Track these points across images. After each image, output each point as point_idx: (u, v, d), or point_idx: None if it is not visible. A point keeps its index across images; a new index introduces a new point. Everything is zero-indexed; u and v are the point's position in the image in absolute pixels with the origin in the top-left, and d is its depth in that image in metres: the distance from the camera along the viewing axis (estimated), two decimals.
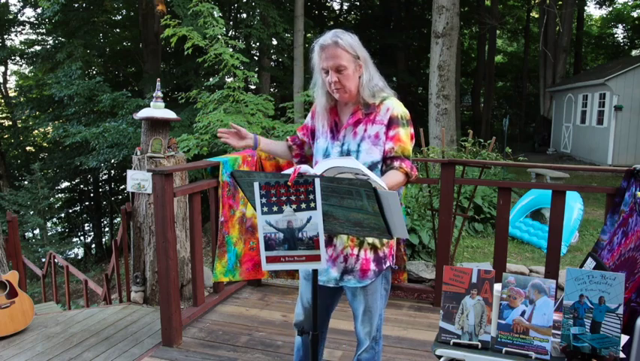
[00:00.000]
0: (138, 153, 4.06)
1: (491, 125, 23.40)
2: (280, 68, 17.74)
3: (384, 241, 1.91)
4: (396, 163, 1.83)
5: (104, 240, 17.47)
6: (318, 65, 1.85)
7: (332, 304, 2.10)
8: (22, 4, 16.83)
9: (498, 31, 23.92)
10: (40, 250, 11.59)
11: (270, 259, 1.56)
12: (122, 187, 17.96)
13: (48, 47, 16.06)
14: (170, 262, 2.90)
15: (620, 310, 1.69)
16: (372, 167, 1.84)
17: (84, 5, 14.87)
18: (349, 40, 1.82)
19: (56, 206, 14.70)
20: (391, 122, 1.85)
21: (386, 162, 1.86)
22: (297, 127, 5.88)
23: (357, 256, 1.87)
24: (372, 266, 1.88)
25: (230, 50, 5.89)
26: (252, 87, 13.65)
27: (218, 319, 3.36)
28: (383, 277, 1.95)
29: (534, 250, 6.04)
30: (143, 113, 4.01)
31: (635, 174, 2.82)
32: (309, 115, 2.10)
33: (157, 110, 4.01)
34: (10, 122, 17.69)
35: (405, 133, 1.86)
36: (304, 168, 1.55)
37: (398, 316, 3.39)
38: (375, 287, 1.93)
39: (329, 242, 1.88)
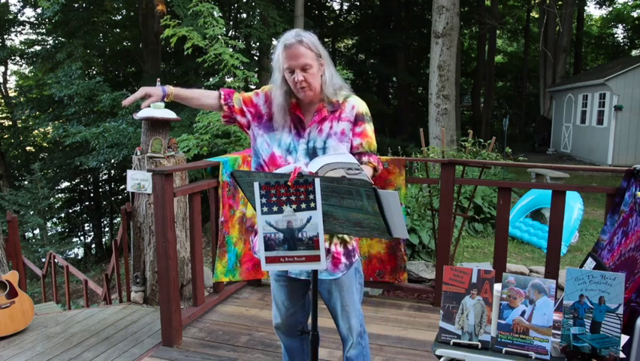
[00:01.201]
0: (138, 153, 4.06)
1: (491, 125, 23.39)
2: None
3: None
4: (365, 158, 1.91)
5: (104, 240, 17.47)
6: (281, 64, 1.81)
7: (306, 302, 2.10)
8: (22, 4, 16.83)
9: (498, 31, 23.92)
10: (40, 250, 11.59)
11: (269, 260, 1.56)
12: (122, 187, 17.95)
13: (48, 47, 16.06)
14: (170, 262, 2.90)
15: (620, 310, 1.69)
16: None
17: (84, 5, 14.86)
18: (311, 38, 1.82)
19: (56, 206, 14.70)
20: (357, 119, 1.91)
21: (354, 158, 1.89)
22: None
23: (328, 250, 1.89)
24: (343, 259, 1.91)
25: (230, 50, 5.89)
26: (252, 87, 13.65)
27: (218, 319, 3.36)
28: (356, 271, 1.99)
29: (534, 250, 6.04)
30: (143, 113, 4.01)
31: (635, 174, 2.82)
32: (263, 97, 1.97)
33: (157, 110, 4.01)
34: (10, 122, 17.68)
35: (370, 129, 1.94)
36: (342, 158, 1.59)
37: (398, 316, 3.39)
38: (350, 281, 1.96)
39: None
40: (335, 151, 1.85)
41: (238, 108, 1.98)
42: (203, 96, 1.99)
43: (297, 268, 1.74)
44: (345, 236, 1.92)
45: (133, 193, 4.08)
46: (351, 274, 1.96)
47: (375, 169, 1.92)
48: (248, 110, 1.97)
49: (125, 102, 1.86)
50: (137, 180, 3.95)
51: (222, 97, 1.98)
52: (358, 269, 2.02)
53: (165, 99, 1.92)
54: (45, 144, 18.57)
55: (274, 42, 16.06)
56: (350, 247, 1.95)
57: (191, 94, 1.98)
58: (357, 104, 1.92)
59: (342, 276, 1.92)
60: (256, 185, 1.51)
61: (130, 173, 4.01)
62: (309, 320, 1.92)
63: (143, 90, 1.86)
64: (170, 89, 1.91)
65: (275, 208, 1.52)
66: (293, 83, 1.82)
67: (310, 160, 1.81)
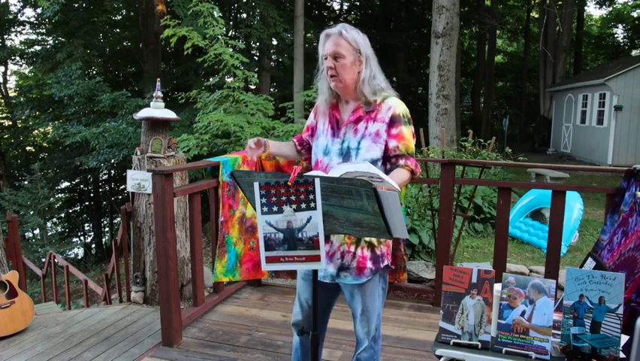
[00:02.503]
0: (138, 153, 4.06)
1: (491, 125, 23.39)
2: (280, 68, 17.73)
3: (382, 239, 1.91)
4: (402, 161, 1.87)
5: (104, 240, 17.46)
6: (320, 53, 1.89)
7: (331, 304, 2.10)
8: (22, 4, 16.83)
9: (498, 31, 23.91)
10: (40, 250, 11.59)
11: (269, 260, 1.56)
12: (122, 187, 17.95)
13: (48, 47, 16.05)
14: (170, 262, 2.90)
15: (620, 310, 1.69)
16: (372, 164, 1.84)
17: (84, 5, 14.86)
18: (354, 34, 1.86)
19: (56, 206, 14.70)
20: (393, 121, 1.87)
21: (390, 161, 1.88)
22: (296, 127, 5.89)
23: (354, 253, 1.87)
24: (369, 264, 1.88)
25: (230, 50, 5.89)
26: (252, 87, 13.65)
27: (218, 319, 3.36)
28: (381, 277, 1.95)
29: (534, 250, 6.04)
30: (143, 113, 4.01)
31: (635, 174, 2.82)
32: (312, 114, 2.11)
33: (157, 110, 4.02)
34: (10, 122, 17.68)
35: (407, 131, 1.89)
36: (316, 173, 1.60)
37: (398, 316, 3.39)
38: (373, 286, 1.92)
39: (326, 238, 1.87)
40: (367, 152, 1.85)
41: (305, 141, 2.16)
42: (285, 151, 2.20)
43: (297, 268, 1.73)
44: (374, 240, 1.89)
45: (133, 193, 4.08)
46: (376, 279, 1.92)
47: (412, 172, 1.88)
48: (308, 135, 2.13)
49: (247, 155, 2.09)
50: (137, 180, 3.95)
51: (296, 145, 2.19)
52: (384, 275, 1.98)
53: (264, 152, 2.04)
54: (45, 144, 18.56)
55: (274, 42, 16.08)
56: (378, 252, 1.90)
57: (278, 150, 2.17)
58: (395, 105, 1.89)
59: (366, 282, 1.89)
60: (256, 185, 1.51)
61: (130, 173, 4.01)
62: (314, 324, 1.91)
63: (252, 141, 1.99)
64: (267, 144, 2.05)
65: (275, 208, 1.52)
66: (325, 70, 1.87)
67: (342, 161, 1.86)
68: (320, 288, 1.95)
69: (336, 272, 1.89)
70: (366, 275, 1.88)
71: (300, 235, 1.52)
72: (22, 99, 16.65)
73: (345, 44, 1.83)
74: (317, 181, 1.47)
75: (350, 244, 1.88)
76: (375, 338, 2.00)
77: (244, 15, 16.59)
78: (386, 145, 1.87)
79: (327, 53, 1.84)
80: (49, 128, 16.08)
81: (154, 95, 4.13)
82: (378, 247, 1.90)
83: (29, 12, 22.93)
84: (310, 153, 2.11)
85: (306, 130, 2.14)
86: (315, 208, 1.49)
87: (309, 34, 16.96)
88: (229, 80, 6.04)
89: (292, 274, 3.72)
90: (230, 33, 15.63)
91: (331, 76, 1.86)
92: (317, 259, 1.53)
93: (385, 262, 1.93)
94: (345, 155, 1.86)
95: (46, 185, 12.98)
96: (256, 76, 6.10)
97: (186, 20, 9.67)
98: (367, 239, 1.88)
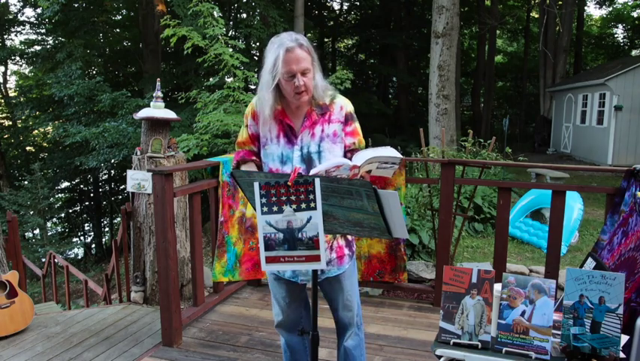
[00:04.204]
0: (138, 153, 4.06)
1: (491, 125, 23.38)
2: None
3: None
4: None
5: (104, 240, 17.46)
6: (279, 69, 1.73)
7: (306, 298, 2.10)
8: (22, 4, 16.82)
9: (498, 31, 23.91)
10: (40, 250, 11.59)
11: (269, 260, 1.56)
12: (122, 187, 17.94)
13: (48, 47, 16.04)
14: (170, 262, 2.90)
15: (620, 310, 1.69)
16: None
17: (84, 5, 14.85)
18: (307, 42, 1.79)
19: (56, 206, 14.68)
20: (347, 119, 1.93)
21: (347, 155, 1.94)
22: None
23: (332, 245, 1.91)
24: (346, 251, 1.95)
25: (230, 50, 5.89)
26: (252, 87, 13.63)
27: (218, 319, 3.36)
28: (354, 261, 2.05)
29: (534, 250, 6.03)
30: (143, 113, 4.02)
31: (635, 174, 2.82)
32: (250, 121, 1.94)
33: (157, 110, 4.02)
34: (10, 122, 17.66)
35: (358, 127, 1.98)
36: (340, 161, 1.65)
37: (398, 316, 3.39)
38: (352, 271, 2.01)
39: None
40: (330, 154, 1.85)
41: (256, 150, 1.96)
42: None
43: (298, 268, 1.73)
44: None
45: (133, 193, 4.08)
46: (353, 263, 2.01)
47: None
48: (254, 145, 1.95)
49: None
50: (137, 180, 3.95)
51: (255, 161, 1.96)
52: (355, 258, 2.07)
53: None
54: (45, 144, 18.56)
55: None
56: (349, 237, 1.98)
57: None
58: (345, 104, 1.93)
59: (347, 268, 1.97)
60: (256, 185, 1.51)
61: (130, 173, 4.01)
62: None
63: None
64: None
65: (275, 208, 1.52)
66: (292, 87, 1.76)
67: (305, 168, 1.83)
68: (296, 286, 1.98)
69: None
70: (346, 262, 1.96)
71: (300, 235, 1.52)
72: (22, 99, 16.64)
73: (307, 56, 1.76)
74: (317, 181, 1.48)
75: (328, 237, 1.89)
76: (358, 325, 2.08)
77: (244, 15, 16.59)
78: (343, 142, 1.93)
79: (296, 71, 1.73)
80: (49, 128, 16.08)
81: (154, 95, 4.13)
82: None
83: (29, 12, 22.99)
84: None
85: (251, 140, 1.95)
86: (315, 208, 1.49)
87: (309, 34, 16.95)
88: (229, 80, 6.04)
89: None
90: (230, 33, 15.62)
91: (300, 93, 1.77)
92: (317, 259, 1.53)
93: (354, 245, 2.02)
94: (308, 161, 1.84)
95: (46, 185, 12.98)
96: (256, 76, 6.09)
97: (186, 20, 9.67)
98: None
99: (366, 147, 1.95)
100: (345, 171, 1.66)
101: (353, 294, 2.01)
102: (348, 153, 1.93)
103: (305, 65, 1.75)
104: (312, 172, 1.68)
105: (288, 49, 1.72)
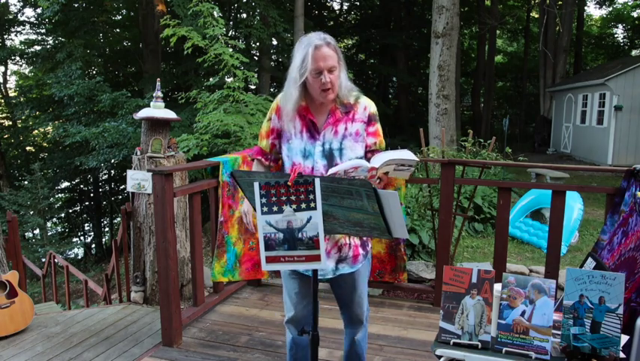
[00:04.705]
0: (138, 153, 4.06)
1: (491, 125, 23.38)
2: (280, 68, 17.73)
3: None
4: None
5: (104, 240, 17.46)
6: (308, 65, 1.80)
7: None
8: (22, 4, 16.82)
9: (498, 31, 23.91)
10: (40, 250, 11.59)
11: (269, 259, 1.56)
12: (122, 187, 17.94)
13: (48, 47, 16.03)
14: (170, 262, 2.90)
15: (620, 310, 1.69)
16: None
17: (84, 5, 14.85)
18: (334, 41, 1.88)
19: (56, 206, 14.67)
20: (370, 120, 1.98)
21: (366, 156, 1.97)
22: None
23: (349, 244, 1.96)
24: (361, 251, 1.99)
25: (230, 50, 5.88)
26: (252, 87, 13.64)
27: (218, 319, 3.36)
28: (368, 261, 2.08)
29: (534, 250, 6.03)
30: (143, 113, 4.02)
31: (635, 174, 2.82)
32: (274, 116, 2.01)
33: (157, 110, 4.02)
34: (10, 122, 17.66)
35: (380, 128, 2.03)
36: (358, 162, 1.70)
37: (398, 316, 3.39)
38: (365, 270, 2.06)
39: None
40: (351, 152, 1.91)
41: (271, 147, 2.04)
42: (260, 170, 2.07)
43: (298, 268, 1.74)
44: None
45: (133, 193, 4.08)
46: (367, 263, 2.05)
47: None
48: (274, 139, 2.03)
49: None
50: (137, 180, 3.95)
51: (263, 161, 2.05)
52: (369, 258, 2.11)
53: None
54: (45, 144, 18.55)
55: (274, 42, 16.07)
56: (364, 238, 2.01)
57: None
58: (369, 105, 1.99)
59: (360, 267, 2.01)
60: (256, 185, 1.51)
61: (130, 173, 4.01)
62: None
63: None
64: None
65: (275, 208, 1.52)
66: (319, 84, 1.83)
67: (327, 163, 1.88)
68: (306, 281, 2.00)
69: (335, 265, 1.97)
70: (360, 261, 2.00)
71: (300, 235, 1.52)
72: (22, 99, 16.63)
73: (334, 55, 1.83)
74: (317, 181, 1.48)
75: (344, 235, 1.94)
76: (366, 318, 2.16)
77: (244, 15, 16.58)
78: (364, 142, 1.97)
79: (323, 68, 1.81)
80: (49, 128, 16.07)
81: (154, 95, 4.13)
82: None
83: (29, 12, 22.97)
84: (277, 162, 2.07)
85: (270, 133, 2.03)
86: (315, 208, 1.49)
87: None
88: (229, 80, 6.03)
89: None
90: (230, 33, 15.62)
91: (326, 90, 1.84)
92: (317, 258, 1.53)
93: (369, 246, 2.07)
94: (329, 157, 1.90)
95: (46, 185, 12.97)
96: (256, 76, 6.09)
97: (186, 20, 9.67)
98: None
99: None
100: (363, 172, 1.71)
101: (364, 292, 2.08)
102: (369, 153, 1.97)
103: (332, 62, 1.82)
104: (331, 171, 1.73)
105: (316, 46, 1.80)
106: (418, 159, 1.69)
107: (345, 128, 1.92)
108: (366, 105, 1.97)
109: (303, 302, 2.04)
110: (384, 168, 1.71)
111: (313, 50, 1.80)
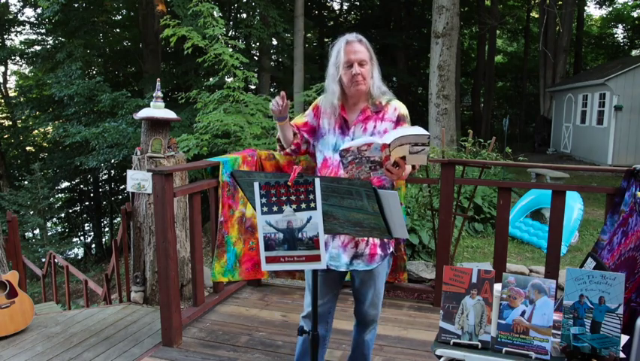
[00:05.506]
0: (138, 153, 4.06)
1: (491, 125, 23.39)
2: (280, 68, 17.73)
3: None
4: None
5: (104, 240, 17.46)
6: (341, 59, 1.96)
7: (338, 291, 2.19)
8: (22, 4, 16.82)
9: (498, 31, 23.91)
10: (40, 250, 11.59)
11: (269, 260, 1.56)
12: (122, 187, 17.94)
13: (48, 47, 16.03)
14: (170, 262, 2.90)
15: (620, 310, 1.69)
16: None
17: (84, 5, 14.85)
18: (367, 41, 2.02)
19: (56, 206, 14.67)
20: (399, 120, 2.05)
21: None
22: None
23: (367, 241, 1.99)
24: (379, 251, 2.01)
25: (230, 50, 5.89)
26: (252, 87, 13.64)
27: (218, 319, 3.36)
28: (387, 262, 2.10)
29: (534, 250, 6.03)
30: (143, 113, 4.02)
31: (635, 174, 2.82)
32: (311, 113, 2.16)
33: (157, 110, 4.02)
34: (10, 122, 17.66)
35: None
36: (371, 139, 1.72)
37: (398, 316, 3.39)
38: (383, 271, 2.08)
39: None
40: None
41: (300, 136, 2.16)
42: (289, 131, 2.14)
43: (298, 268, 1.74)
44: None
45: (133, 193, 4.08)
46: (385, 264, 2.08)
47: (413, 167, 1.98)
48: (305, 131, 2.15)
49: (273, 108, 2.00)
50: (137, 180, 3.95)
51: (294, 128, 2.15)
52: (389, 261, 2.13)
53: (282, 122, 2.06)
54: (45, 144, 18.56)
55: (274, 42, 16.08)
56: (385, 239, 2.03)
57: (287, 125, 2.12)
58: (399, 107, 2.07)
59: (377, 267, 2.03)
60: (256, 185, 1.51)
61: (130, 173, 4.01)
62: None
63: (281, 98, 1.98)
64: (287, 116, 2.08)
65: (275, 208, 1.52)
66: (350, 76, 1.96)
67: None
68: (332, 274, 2.05)
69: (350, 260, 2.00)
70: (377, 261, 2.02)
71: (300, 235, 1.52)
72: (22, 99, 16.63)
73: (365, 51, 1.97)
74: (317, 181, 1.48)
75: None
76: (378, 318, 2.21)
77: (244, 15, 16.59)
78: None
79: (354, 60, 1.94)
80: (49, 128, 16.08)
81: (154, 95, 4.13)
82: None
83: (29, 12, 22.98)
84: (301, 142, 2.17)
85: (304, 125, 2.16)
86: (315, 208, 1.49)
87: (309, 34, 16.98)
88: (229, 80, 6.03)
89: (292, 273, 3.72)
90: (230, 33, 15.62)
91: (357, 81, 1.96)
92: (317, 258, 1.53)
93: (390, 249, 2.09)
94: None
95: (46, 185, 12.97)
96: (256, 76, 6.09)
97: (186, 20, 9.68)
98: None
99: None
100: (376, 150, 1.70)
101: (380, 293, 2.12)
102: None
103: (362, 56, 1.96)
104: (344, 147, 1.74)
105: (348, 41, 1.98)
106: (427, 133, 1.69)
107: (374, 127, 2.01)
108: (397, 107, 2.06)
109: (324, 299, 2.09)
110: (398, 151, 1.68)
111: (345, 45, 1.96)
